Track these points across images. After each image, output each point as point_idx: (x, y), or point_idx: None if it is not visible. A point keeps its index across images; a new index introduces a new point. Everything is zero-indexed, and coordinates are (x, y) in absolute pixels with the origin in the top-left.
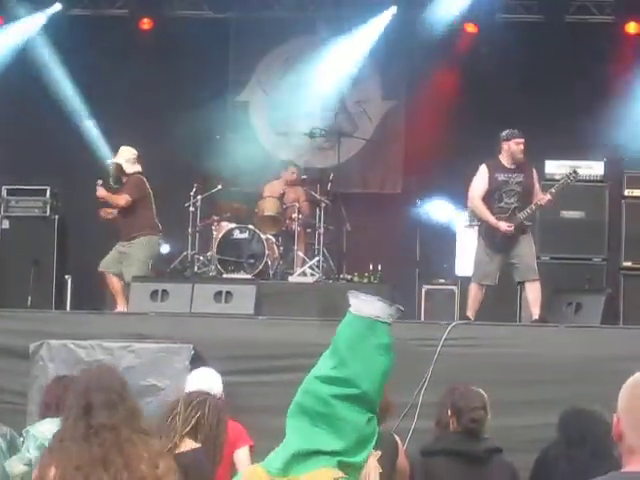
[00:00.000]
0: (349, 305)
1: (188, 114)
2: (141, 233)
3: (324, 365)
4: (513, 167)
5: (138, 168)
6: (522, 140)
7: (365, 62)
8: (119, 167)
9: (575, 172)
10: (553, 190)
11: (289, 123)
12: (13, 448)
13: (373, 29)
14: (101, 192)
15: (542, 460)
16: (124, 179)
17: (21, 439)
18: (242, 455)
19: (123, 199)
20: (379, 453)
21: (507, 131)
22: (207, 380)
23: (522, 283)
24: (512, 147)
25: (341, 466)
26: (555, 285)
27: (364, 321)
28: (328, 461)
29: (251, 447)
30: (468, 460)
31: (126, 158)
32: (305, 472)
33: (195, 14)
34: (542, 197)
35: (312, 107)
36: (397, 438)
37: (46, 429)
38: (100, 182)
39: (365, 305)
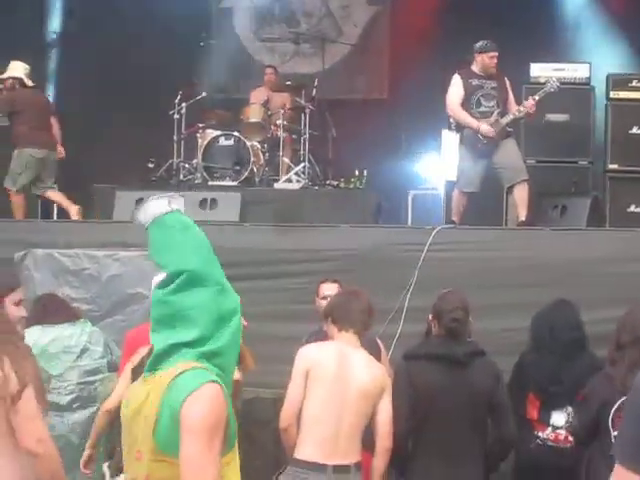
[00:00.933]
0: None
1: (172, 20)
2: (16, 147)
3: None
4: (486, 76)
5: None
6: (495, 54)
7: None
8: (20, 82)
9: (559, 82)
10: (536, 97)
11: (273, 29)
12: None
13: None
14: None
15: (518, 367)
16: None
17: None
18: None
19: None
20: None
21: (481, 43)
22: None
23: (511, 187)
24: (485, 60)
25: (204, 356)
26: (541, 188)
27: (155, 224)
28: (187, 354)
29: None
30: (450, 363)
31: (25, 72)
32: (165, 368)
33: None
34: (528, 103)
35: (296, 12)
36: (380, 342)
37: (32, 339)
38: None
39: (146, 211)
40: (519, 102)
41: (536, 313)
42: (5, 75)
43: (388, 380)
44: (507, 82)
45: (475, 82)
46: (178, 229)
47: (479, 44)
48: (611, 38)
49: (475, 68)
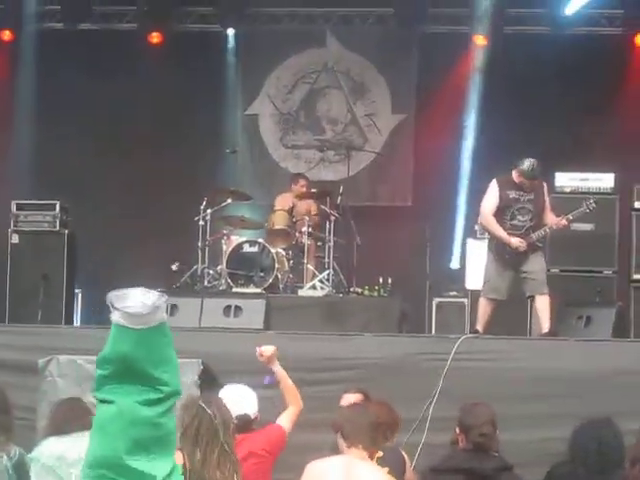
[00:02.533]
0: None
1: (198, 128)
2: None
3: (132, 389)
4: (524, 187)
5: None
6: (535, 181)
7: (374, 74)
8: None
9: (595, 202)
10: (570, 217)
11: (298, 136)
12: (21, 468)
13: (381, 42)
14: None
15: (550, 477)
16: None
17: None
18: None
19: None
20: (386, 469)
21: (525, 167)
22: (240, 398)
23: (532, 297)
24: (525, 182)
25: None
26: (565, 298)
27: (157, 329)
28: None
29: None
30: (477, 478)
31: None
32: None
33: (203, 28)
34: (558, 221)
35: (321, 119)
36: (404, 453)
37: (48, 449)
38: None
39: (148, 308)
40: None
41: (581, 426)
42: None
43: None
44: (545, 188)
45: (512, 195)
46: (171, 341)
47: (524, 167)
48: (636, 146)
49: (515, 178)
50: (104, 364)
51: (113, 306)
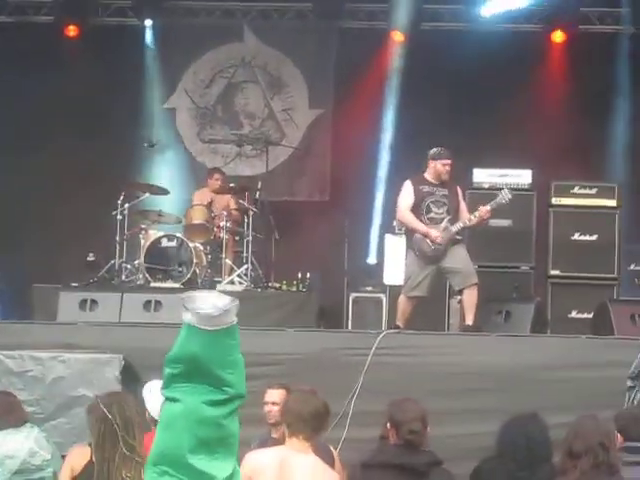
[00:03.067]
0: (196, 319)
1: (115, 122)
2: None
3: (198, 389)
4: (437, 183)
5: None
6: (449, 162)
7: (291, 69)
8: None
9: (510, 192)
10: (489, 207)
11: (215, 130)
12: None
13: (299, 37)
14: None
15: (477, 472)
16: None
17: None
18: None
19: None
20: None
21: (435, 150)
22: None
23: (461, 290)
24: (438, 167)
25: None
26: (484, 293)
27: (227, 331)
28: None
29: None
30: (408, 473)
31: None
32: None
33: (120, 21)
34: (480, 211)
35: (239, 114)
36: (332, 449)
37: None
38: None
39: (216, 315)
40: (469, 209)
41: (506, 422)
42: None
43: None
44: (459, 190)
45: (426, 189)
46: (239, 344)
47: (433, 151)
48: (553, 143)
49: (427, 175)
50: (173, 363)
51: (185, 307)
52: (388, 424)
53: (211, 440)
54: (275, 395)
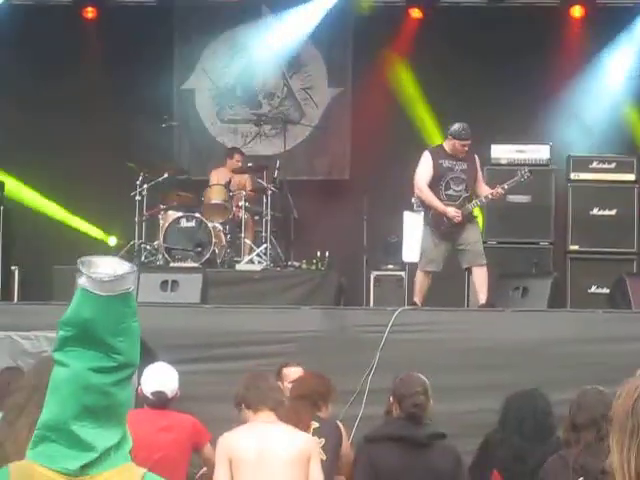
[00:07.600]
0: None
1: (135, 103)
2: None
3: (87, 354)
4: (456, 157)
5: None
6: (468, 142)
7: (310, 48)
8: None
9: (530, 171)
10: (506, 186)
11: (235, 110)
12: None
13: (316, 15)
14: None
15: (484, 446)
16: None
17: None
18: (208, 453)
19: None
20: (322, 440)
21: (457, 127)
22: (162, 376)
23: (469, 268)
24: (457, 146)
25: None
26: (502, 269)
27: (121, 297)
28: (122, 457)
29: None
30: (411, 445)
31: None
32: (105, 469)
33: (138, 2)
34: (494, 191)
35: (258, 93)
36: (341, 425)
37: None
38: None
39: (108, 280)
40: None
41: (510, 397)
42: None
43: (314, 446)
44: (477, 161)
45: (446, 163)
46: (134, 312)
47: (454, 128)
48: (571, 118)
49: (447, 147)
50: (65, 325)
51: (81, 270)
52: (391, 397)
53: (97, 408)
54: (291, 373)
